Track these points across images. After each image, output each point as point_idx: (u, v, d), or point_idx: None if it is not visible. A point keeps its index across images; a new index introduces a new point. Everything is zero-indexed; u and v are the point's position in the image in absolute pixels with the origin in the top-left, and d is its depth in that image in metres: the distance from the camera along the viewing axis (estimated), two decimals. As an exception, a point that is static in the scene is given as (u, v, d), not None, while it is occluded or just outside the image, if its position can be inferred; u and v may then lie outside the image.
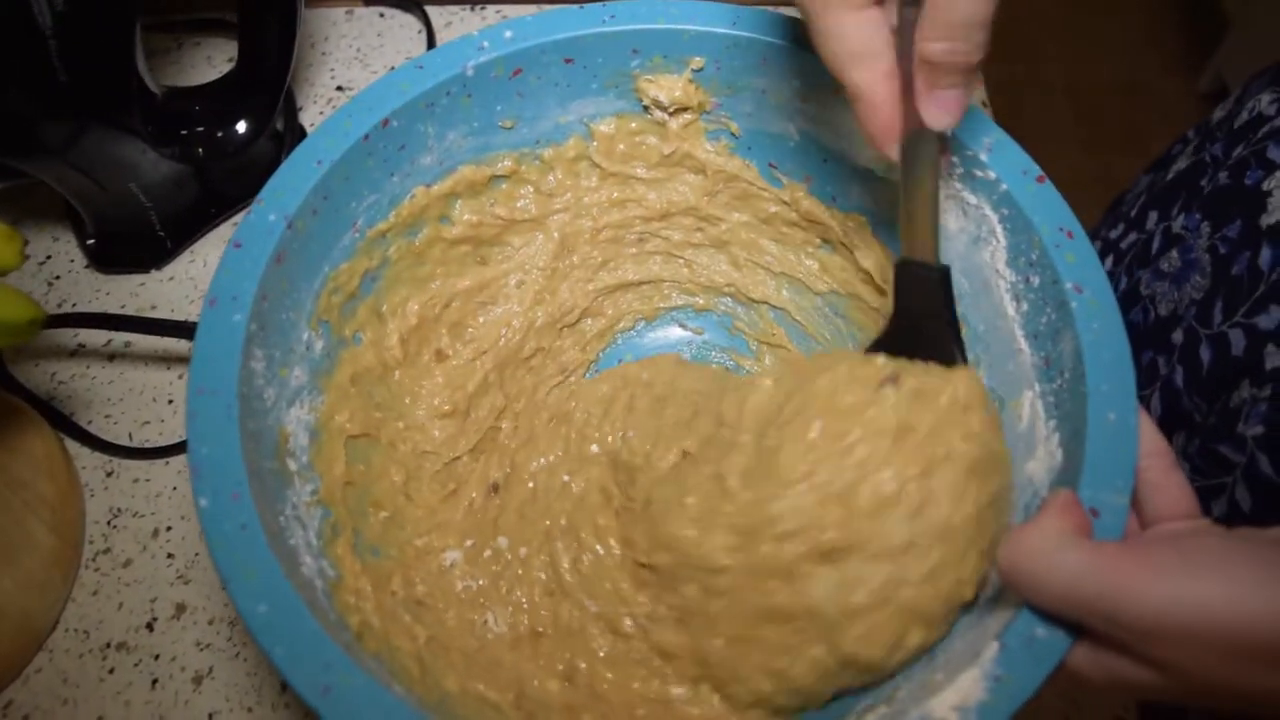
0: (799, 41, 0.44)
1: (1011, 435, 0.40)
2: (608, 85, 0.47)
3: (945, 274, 0.39)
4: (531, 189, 0.49)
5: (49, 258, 0.59)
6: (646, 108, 0.48)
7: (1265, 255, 0.51)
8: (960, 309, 0.44)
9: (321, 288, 0.42)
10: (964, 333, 0.44)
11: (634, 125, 0.48)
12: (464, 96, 0.44)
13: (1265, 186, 0.53)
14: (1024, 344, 0.40)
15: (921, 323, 0.40)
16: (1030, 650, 0.32)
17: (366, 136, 0.42)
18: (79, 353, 0.55)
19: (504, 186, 0.48)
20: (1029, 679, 0.31)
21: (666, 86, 0.47)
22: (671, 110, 0.47)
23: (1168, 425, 0.55)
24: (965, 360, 0.39)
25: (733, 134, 0.48)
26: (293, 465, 0.39)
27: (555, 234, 0.50)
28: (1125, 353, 0.36)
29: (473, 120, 0.45)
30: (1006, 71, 1.88)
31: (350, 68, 0.67)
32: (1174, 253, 0.57)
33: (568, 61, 0.45)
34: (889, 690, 0.36)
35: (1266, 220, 0.51)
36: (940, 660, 0.35)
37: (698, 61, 0.46)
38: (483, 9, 0.70)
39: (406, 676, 0.36)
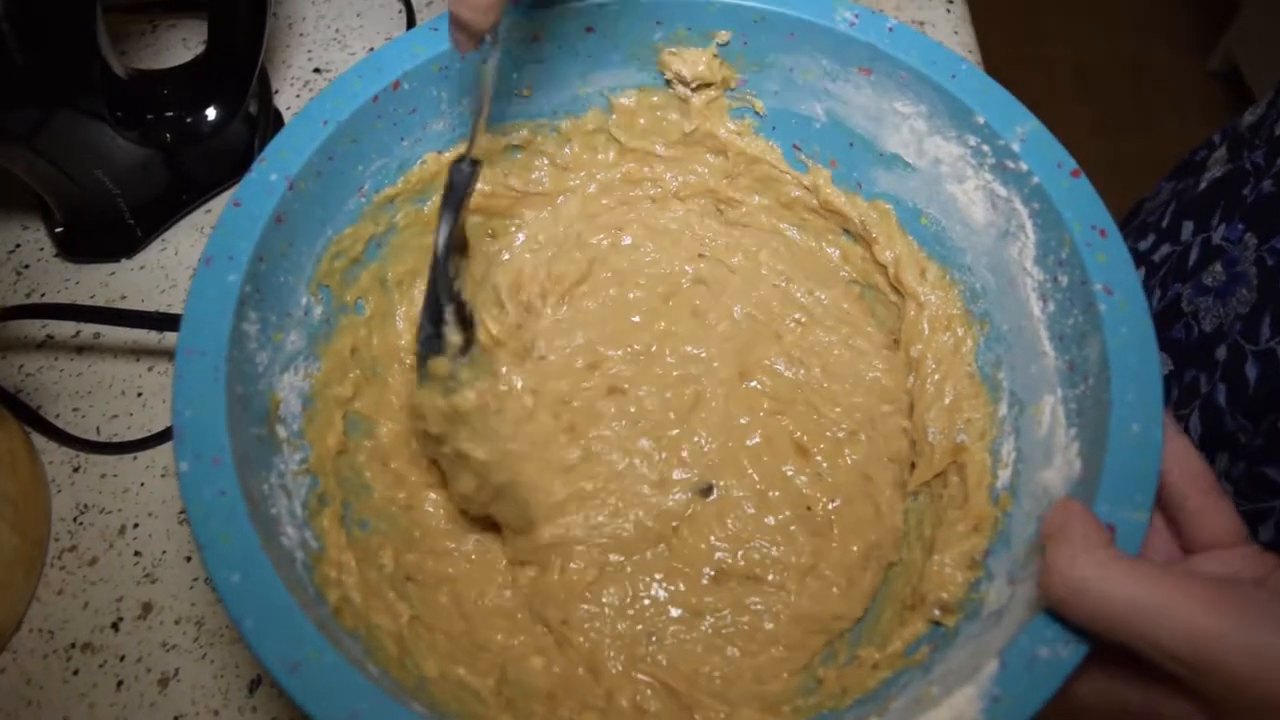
0: (828, 18, 0.42)
1: (1029, 441, 0.38)
2: (630, 57, 0.45)
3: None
4: (547, 161, 0.48)
5: (18, 246, 0.58)
6: (669, 82, 0.46)
7: None
8: (984, 307, 0.42)
9: (323, 251, 0.41)
10: (986, 332, 0.42)
11: (655, 99, 0.47)
12: (480, 61, 0.43)
13: None
14: (1049, 346, 0.38)
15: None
16: (1032, 671, 0.30)
17: (376, 98, 0.41)
18: (47, 344, 0.54)
19: (519, 157, 0.47)
20: (1028, 702, 0.29)
21: (690, 60, 0.45)
22: (695, 85, 0.46)
23: (1209, 446, 0.53)
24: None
25: (757, 113, 0.47)
26: (282, 432, 0.38)
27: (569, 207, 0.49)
28: (1154, 361, 0.34)
29: (488, 86, 0.44)
30: (1013, 52, 1.84)
31: (328, 49, 0.66)
32: (1218, 265, 0.55)
33: (589, 30, 0.44)
34: (884, 700, 0.35)
35: None
36: (937, 672, 0.34)
37: (723, 35, 0.44)
38: None
39: (384, 656, 0.35)
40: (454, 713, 0.35)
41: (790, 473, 0.44)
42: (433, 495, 0.44)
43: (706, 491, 0.44)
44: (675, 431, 0.45)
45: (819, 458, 0.45)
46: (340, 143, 0.40)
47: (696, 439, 0.45)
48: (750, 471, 0.44)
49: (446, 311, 0.39)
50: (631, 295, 0.48)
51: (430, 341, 0.39)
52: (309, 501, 0.38)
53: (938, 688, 0.32)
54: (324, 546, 0.37)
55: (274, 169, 0.39)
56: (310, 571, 0.35)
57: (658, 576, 0.42)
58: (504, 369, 0.46)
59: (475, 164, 0.39)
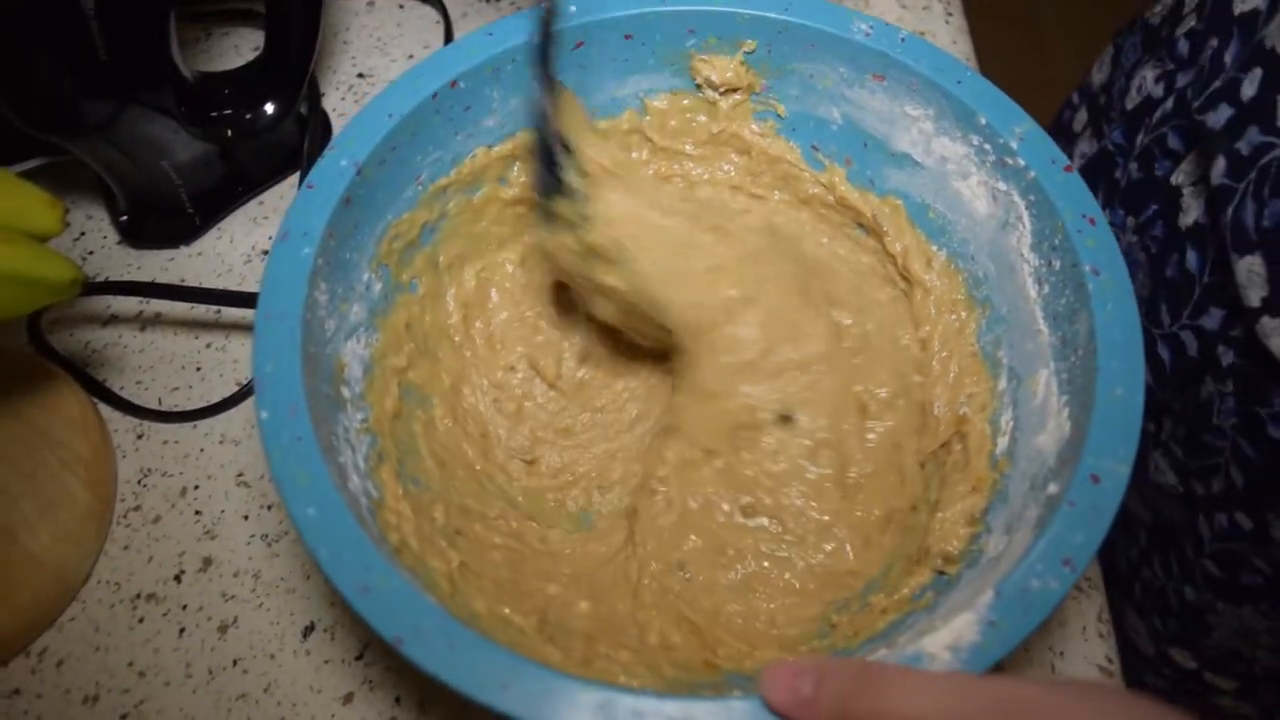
0: (845, 29, 0.46)
1: (1026, 411, 0.42)
2: (664, 62, 0.49)
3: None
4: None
5: (83, 234, 0.62)
6: (699, 86, 0.50)
7: (1192, 258, 0.51)
8: (986, 291, 0.46)
9: (384, 233, 0.45)
10: (987, 314, 0.46)
11: (686, 102, 0.51)
12: (529, 64, 0.47)
13: (1174, 181, 0.53)
14: (1043, 325, 0.42)
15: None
16: (1024, 600, 0.33)
17: (435, 95, 0.45)
18: (111, 322, 0.58)
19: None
20: (1020, 626, 0.33)
21: (719, 67, 0.49)
22: (723, 90, 0.50)
23: (1153, 413, 0.56)
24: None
25: (779, 115, 0.51)
26: (346, 393, 0.42)
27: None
28: (1136, 333, 0.38)
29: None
30: (1011, 70, 1.88)
31: (370, 56, 0.70)
32: None
33: (627, 38, 0.48)
34: (892, 634, 0.38)
35: (1184, 220, 0.52)
36: (941, 610, 0.37)
37: (750, 44, 0.48)
38: (498, 0, 0.73)
39: (438, 592, 0.39)
40: (503, 641, 0.38)
41: (847, 428, 0.46)
42: (478, 467, 0.48)
43: (787, 420, 0.46)
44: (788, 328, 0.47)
45: (868, 420, 0.47)
46: (402, 134, 0.44)
47: (801, 346, 0.46)
48: (823, 417, 0.46)
49: (558, 154, 0.42)
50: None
51: (549, 186, 0.44)
52: (369, 456, 0.42)
53: (940, 622, 0.36)
54: (383, 496, 0.41)
55: (344, 155, 0.43)
56: (373, 515, 0.39)
57: (706, 493, 0.46)
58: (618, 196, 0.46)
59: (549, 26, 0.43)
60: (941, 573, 0.41)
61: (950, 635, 0.33)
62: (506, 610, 0.41)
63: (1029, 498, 0.38)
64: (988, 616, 0.33)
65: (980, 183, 0.45)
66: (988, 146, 0.44)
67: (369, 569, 0.34)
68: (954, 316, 0.47)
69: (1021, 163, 0.43)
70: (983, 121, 0.44)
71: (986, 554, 0.39)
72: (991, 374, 0.45)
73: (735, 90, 0.50)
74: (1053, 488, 0.37)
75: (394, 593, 0.34)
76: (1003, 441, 0.42)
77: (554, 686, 0.32)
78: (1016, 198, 0.43)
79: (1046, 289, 0.42)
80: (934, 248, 0.48)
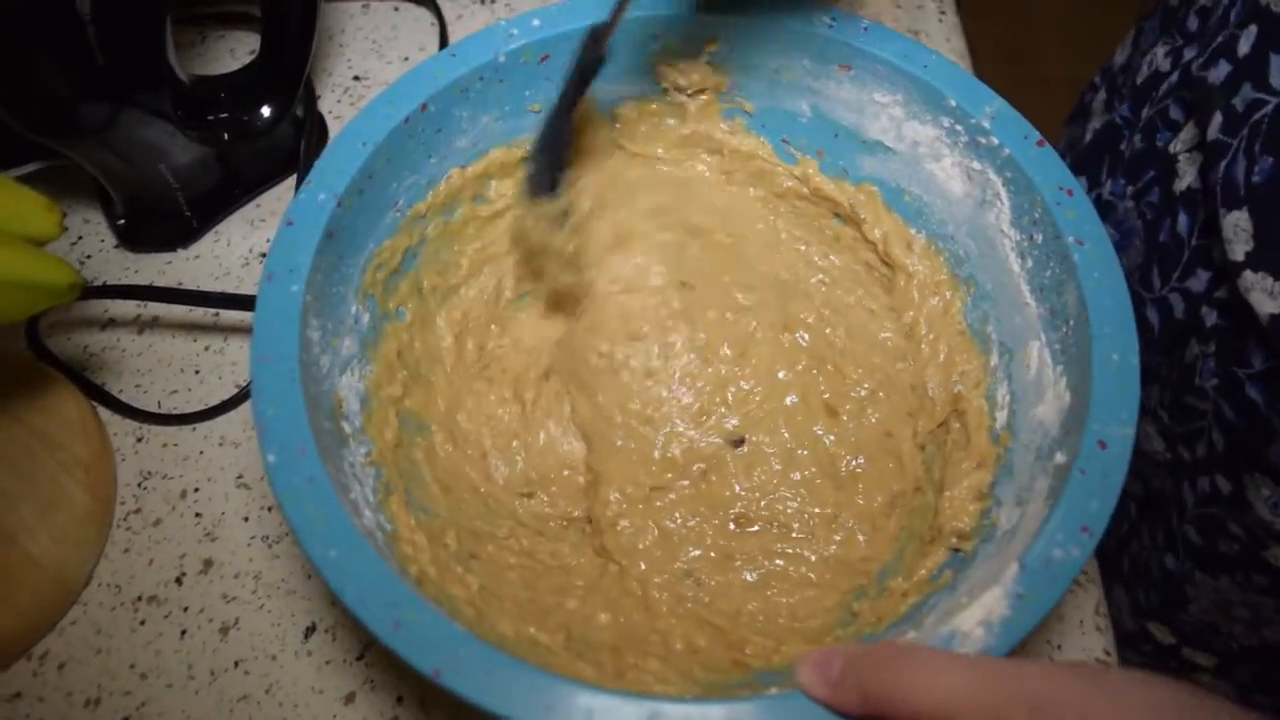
0: (808, 23, 0.47)
1: (1021, 384, 0.43)
2: (629, 70, 0.49)
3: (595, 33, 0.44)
4: (557, 170, 0.52)
5: (80, 238, 0.61)
6: (665, 90, 0.50)
7: (1183, 221, 0.53)
8: (969, 270, 0.47)
9: (367, 263, 0.45)
10: (972, 292, 0.47)
11: (654, 107, 0.51)
12: (496, 82, 0.47)
13: (1173, 149, 0.54)
14: (1030, 298, 0.43)
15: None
16: (1048, 570, 0.34)
17: (407, 120, 0.44)
18: (109, 325, 0.58)
19: (533, 168, 0.51)
20: (1047, 595, 0.34)
21: (685, 69, 0.49)
22: (690, 92, 0.50)
23: (1141, 380, 0.57)
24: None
25: (746, 112, 0.51)
26: (347, 428, 0.42)
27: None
28: (1125, 299, 0.39)
29: (504, 104, 0.48)
30: (1006, 72, 1.92)
31: (366, 58, 0.70)
32: (1109, 223, 0.59)
33: (592, 47, 0.48)
34: (916, 617, 0.39)
35: (1179, 186, 0.53)
36: (963, 588, 0.38)
37: (713, 44, 0.49)
38: (492, 2, 0.73)
39: (464, 619, 0.39)
40: (535, 663, 0.38)
41: (820, 432, 0.48)
42: (482, 489, 0.47)
43: (738, 443, 0.48)
44: (724, 370, 0.51)
45: (845, 418, 0.49)
46: (378, 162, 0.44)
47: (742, 384, 0.50)
48: (783, 430, 0.49)
49: (567, 155, 0.44)
50: (672, 238, 0.54)
51: (542, 181, 0.47)
52: (377, 489, 0.41)
53: (966, 599, 0.36)
54: (397, 528, 0.41)
55: (321, 189, 0.42)
56: (390, 549, 0.39)
57: (682, 515, 0.47)
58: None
59: (602, 49, 0.44)
60: (957, 550, 0.41)
61: (981, 611, 0.34)
62: (532, 630, 0.41)
63: (1035, 468, 0.39)
64: (1015, 590, 0.34)
65: (954, 163, 0.46)
66: (959, 127, 0.45)
67: (397, 604, 0.34)
68: (938, 298, 0.48)
69: (995, 141, 0.44)
70: (952, 103, 0.45)
71: (1000, 528, 0.39)
72: (982, 350, 0.46)
73: (701, 91, 0.50)
74: (1060, 457, 0.38)
75: (425, 626, 0.34)
76: (1001, 415, 0.43)
77: (598, 704, 0.32)
78: (992, 175, 0.44)
79: (1030, 262, 0.43)
80: (913, 231, 0.49)
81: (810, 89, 0.49)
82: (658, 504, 0.48)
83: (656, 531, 0.47)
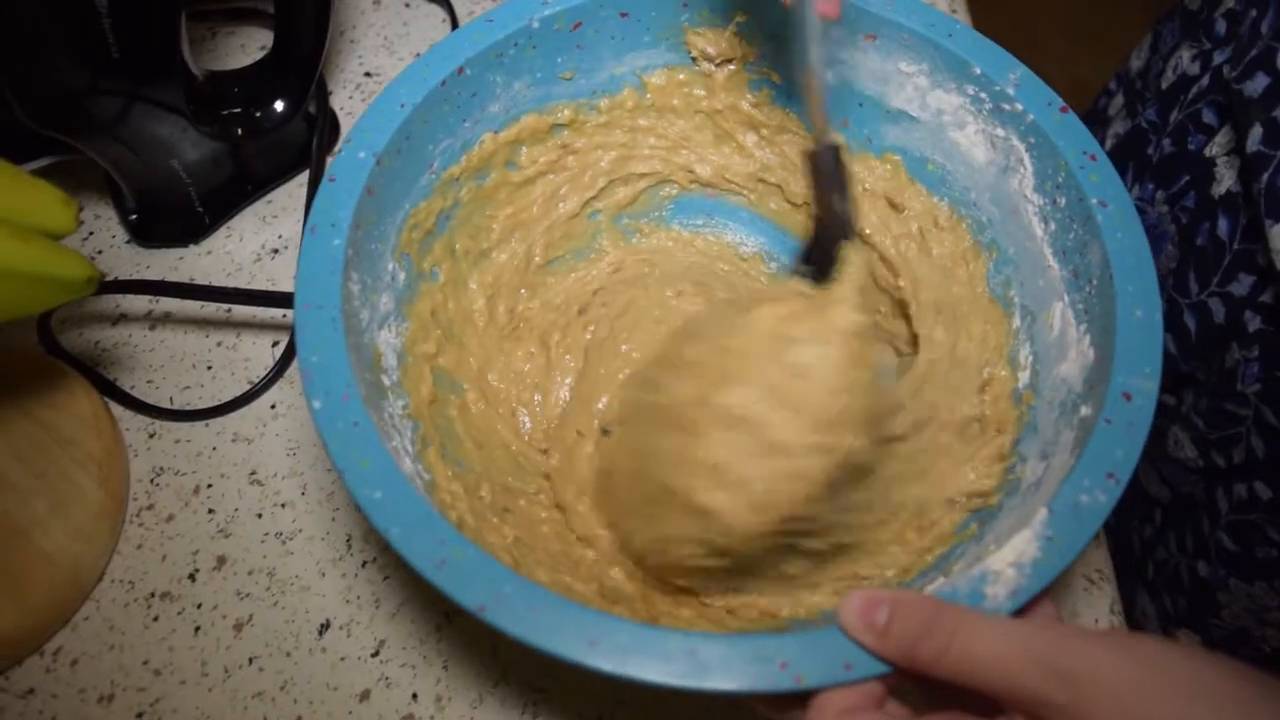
0: (838, -8, 0.48)
1: (1043, 344, 0.44)
2: (659, 38, 0.50)
3: (836, 150, 0.42)
4: (585, 140, 0.53)
5: (92, 233, 0.61)
6: (694, 59, 0.51)
7: (1223, 225, 0.53)
8: (991, 235, 0.48)
9: (403, 223, 0.46)
10: (994, 257, 0.48)
11: (682, 77, 0.52)
12: (529, 48, 0.48)
13: (1208, 153, 0.55)
14: (1052, 261, 0.44)
15: (829, 199, 0.42)
16: (1076, 514, 0.35)
17: (444, 83, 0.45)
18: (121, 321, 0.58)
19: (564, 135, 0.52)
20: (1077, 538, 0.35)
21: (713, 39, 0.50)
22: (718, 61, 0.51)
23: (1173, 386, 0.58)
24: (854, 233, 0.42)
25: (773, 82, 0.52)
26: (386, 381, 0.43)
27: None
28: (1147, 258, 0.40)
29: (536, 71, 0.49)
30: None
31: (378, 55, 0.71)
32: None
33: (623, 15, 0.49)
34: (946, 565, 0.40)
35: (1217, 190, 0.54)
36: (989, 538, 0.39)
37: (741, 15, 0.50)
38: None
39: (504, 564, 0.39)
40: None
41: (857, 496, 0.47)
42: (513, 447, 0.48)
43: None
44: None
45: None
46: (415, 123, 0.45)
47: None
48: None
49: (839, 248, 0.42)
50: None
51: (817, 266, 0.43)
52: (415, 440, 0.42)
53: (994, 545, 0.37)
54: (434, 478, 0.41)
55: (361, 147, 0.43)
56: (430, 497, 0.40)
57: None
58: None
59: (833, 148, 0.42)
60: (980, 508, 0.42)
61: (1011, 554, 0.35)
62: (568, 579, 0.41)
63: (1060, 423, 0.40)
64: (1045, 533, 0.35)
65: (978, 131, 0.47)
66: (983, 95, 0.46)
67: (442, 543, 0.35)
68: (962, 270, 0.49)
69: (1019, 107, 0.45)
70: (977, 71, 0.46)
71: (1025, 481, 0.40)
72: (1006, 313, 0.47)
73: (729, 61, 0.51)
74: (1085, 410, 0.39)
75: (470, 563, 0.34)
76: (1024, 376, 0.44)
77: (640, 638, 0.33)
78: (1016, 141, 0.45)
79: (1053, 226, 0.44)
80: (935, 199, 0.50)
81: (836, 58, 0.50)
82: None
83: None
